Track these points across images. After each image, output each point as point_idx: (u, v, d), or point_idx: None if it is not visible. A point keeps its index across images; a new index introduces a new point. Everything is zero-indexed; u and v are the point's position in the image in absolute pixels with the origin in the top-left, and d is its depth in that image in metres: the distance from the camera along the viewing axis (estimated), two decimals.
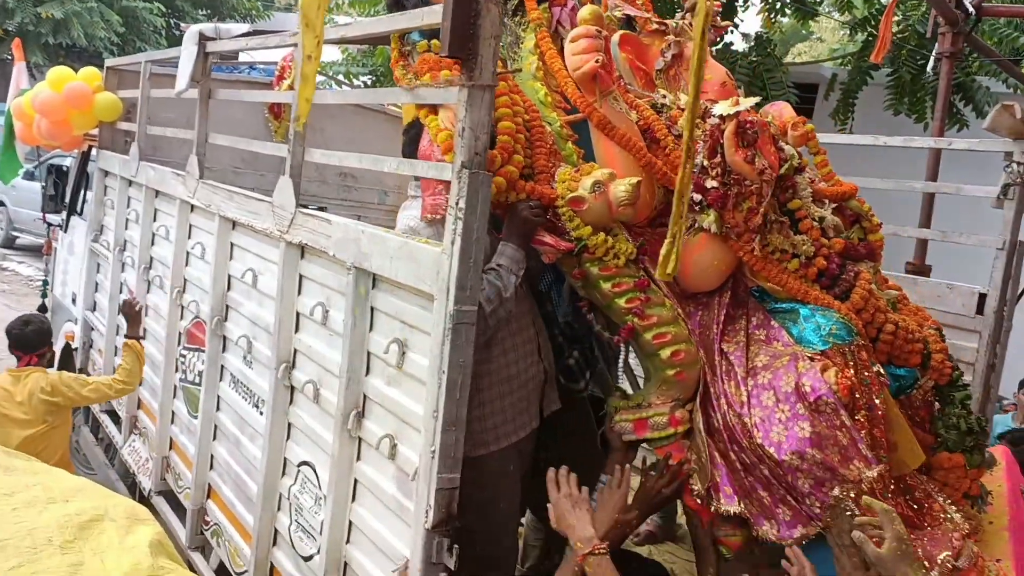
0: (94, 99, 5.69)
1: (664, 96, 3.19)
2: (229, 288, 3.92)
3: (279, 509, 3.34)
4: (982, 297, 3.61)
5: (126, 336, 4.69)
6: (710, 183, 2.74)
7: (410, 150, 3.17)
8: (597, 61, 2.75)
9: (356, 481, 2.86)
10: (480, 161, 2.26)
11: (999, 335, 3.56)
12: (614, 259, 2.74)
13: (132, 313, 4.69)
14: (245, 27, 4.24)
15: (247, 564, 3.49)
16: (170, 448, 4.52)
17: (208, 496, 4.03)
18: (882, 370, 2.77)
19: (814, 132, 3.15)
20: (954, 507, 2.81)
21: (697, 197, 2.76)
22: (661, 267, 2.13)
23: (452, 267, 2.28)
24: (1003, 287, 3.55)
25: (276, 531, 3.35)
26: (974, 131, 7.12)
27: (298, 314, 3.29)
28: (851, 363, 2.64)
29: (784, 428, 2.53)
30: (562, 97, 3.08)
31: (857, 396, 2.57)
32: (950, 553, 2.58)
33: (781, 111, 3.25)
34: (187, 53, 4.11)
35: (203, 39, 4.08)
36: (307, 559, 3.09)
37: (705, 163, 2.75)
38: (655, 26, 3.28)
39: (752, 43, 7.95)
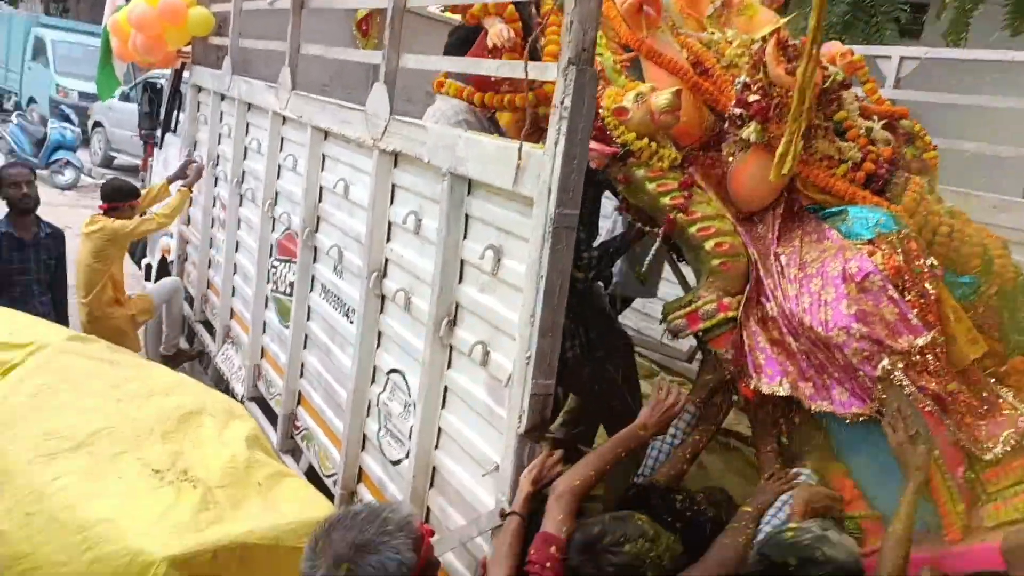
0: (187, 14, 5.71)
1: (713, 34, 3.29)
2: (320, 199, 3.92)
3: (368, 415, 3.38)
4: None
5: (181, 185, 5.55)
6: (752, 97, 2.81)
7: (458, 52, 3.33)
8: None
9: (446, 388, 2.85)
10: (588, 57, 2.15)
11: None
12: (658, 162, 2.81)
13: (192, 171, 5.58)
14: None
15: (336, 467, 3.56)
16: (262, 356, 4.63)
17: (299, 403, 4.12)
18: (935, 262, 2.76)
19: (862, 62, 3.34)
20: None
21: (739, 111, 2.83)
22: (777, 167, 2.07)
23: (555, 168, 2.19)
24: None
25: (365, 436, 3.40)
26: None
27: (390, 223, 3.26)
28: (899, 251, 2.66)
29: (830, 308, 2.58)
30: (619, 47, 3.18)
31: (906, 278, 2.61)
32: (1014, 431, 2.58)
33: (830, 47, 3.43)
34: None
35: None
36: (395, 463, 3.12)
37: (747, 79, 2.83)
38: None
39: None
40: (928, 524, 2.49)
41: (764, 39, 2.83)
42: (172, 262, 6.45)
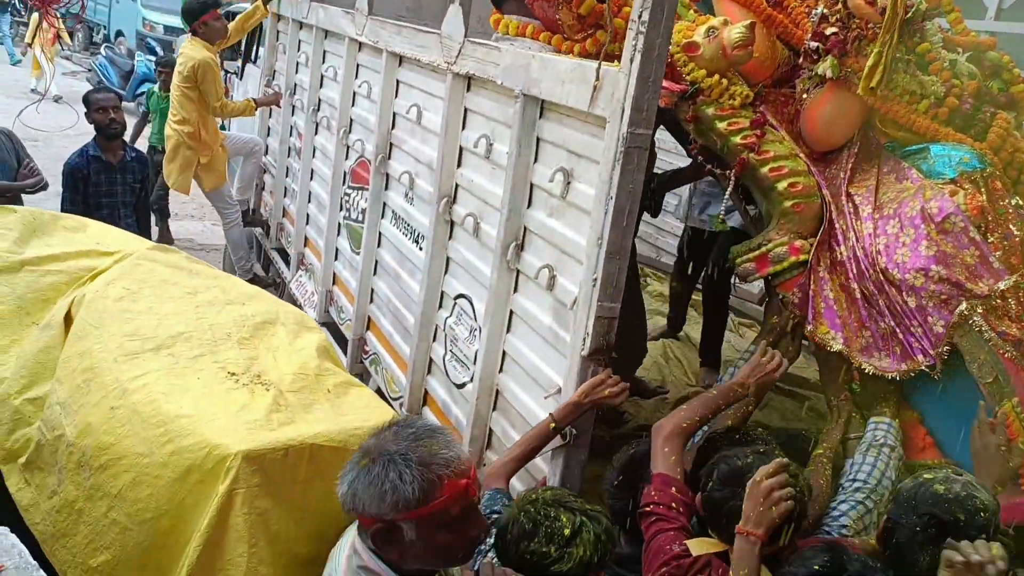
0: None
1: None
2: (393, 126, 3.94)
3: (434, 340, 3.44)
4: None
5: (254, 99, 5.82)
6: (829, 30, 2.71)
7: None
8: None
9: (511, 312, 2.87)
10: None
11: None
12: (729, 100, 2.72)
13: (270, 97, 5.82)
14: None
15: (402, 390, 3.64)
16: (333, 283, 4.73)
17: (368, 328, 4.21)
18: (1021, 202, 2.65)
19: None
20: None
21: (815, 44, 2.74)
22: (865, 80, 1.99)
23: (629, 86, 2.15)
24: None
25: (431, 360, 3.46)
26: None
27: (461, 148, 3.26)
28: (982, 190, 2.58)
29: (908, 250, 2.51)
30: None
31: (989, 219, 2.53)
32: None
33: None
34: None
35: None
36: (460, 386, 3.18)
37: (825, 11, 2.73)
38: None
39: None
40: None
41: None
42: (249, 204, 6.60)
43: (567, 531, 1.89)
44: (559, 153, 2.61)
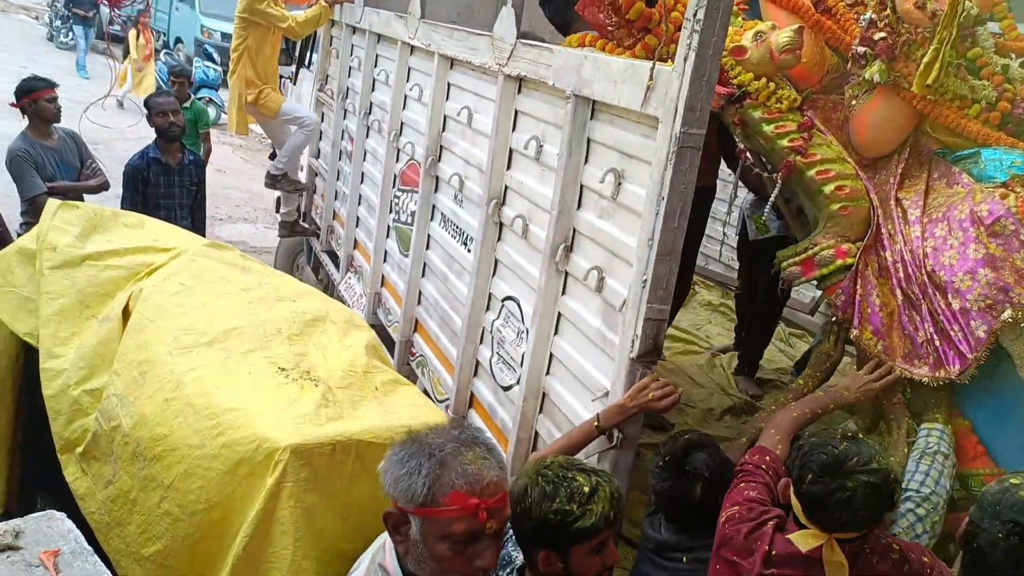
0: None
1: None
2: (444, 128, 3.96)
3: (481, 342, 3.44)
4: None
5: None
6: (878, 35, 2.68)
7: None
8: None
9: (559, 315, 2.86)
10: None
11: None
12: (776, 103, 2.73)
13: None
14: None
15: (449, 392, 3.65)
16: (382, 285, 4.77)
17: (415, 330, 4.23)
18: None
19: None
20: None
21: (863, 50, 2.71)
22: (920, 77, 1.96)
23: (683, 86, 2.13)
24: None
25: (478, 362, 3.46)
26: None
27: (511, 150, 3.27)
28: None
29: (956, 252, 2.48)
30: None
31: None
32: None
33: None
34: None
35: None
36: (506, 389, 3.17)
37: (873, 16, 2.70)
38: None
39: None
40: None
41: None
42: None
43: (586, 488, 1.91)
44: (610, 154, 2.60)
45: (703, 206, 3.92)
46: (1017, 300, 2.36)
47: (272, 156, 7.82)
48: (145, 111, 5.35)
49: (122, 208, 5.00)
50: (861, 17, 2.75)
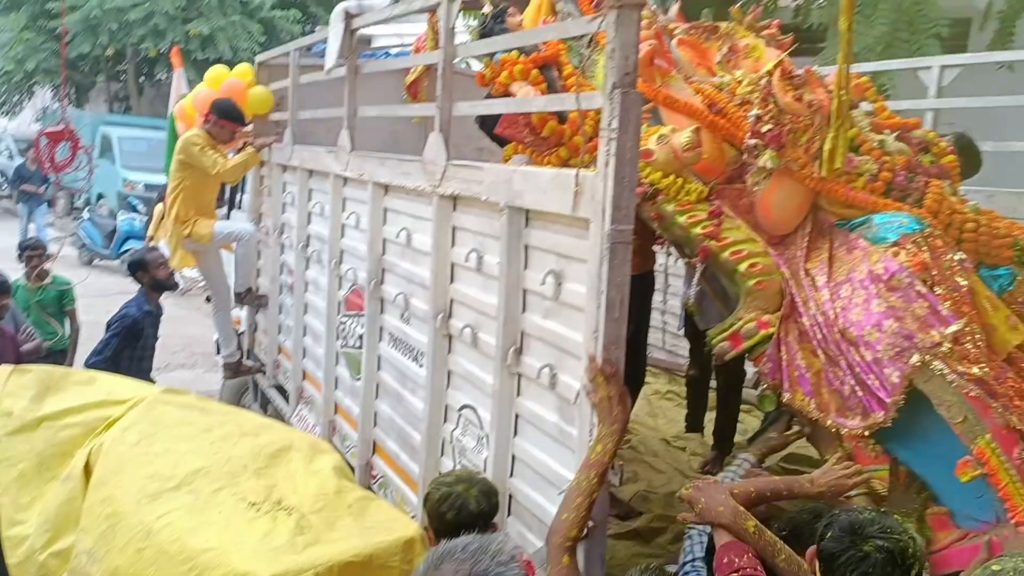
0: (248, 94, 6.08)
1: (724, 77, 3.48)
2: (384, 251, 4.10)
3: (443, 454, 3.48)
4: None
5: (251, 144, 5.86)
6: (765, 127, 2.95)
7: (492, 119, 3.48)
8: (651, 44, 3.13)
9: (517, 416, 2.95)
10: (631, 81, 2.28)
11: None
12: (686, 195, 2.97)
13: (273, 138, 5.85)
14: (387, 1, 4.42)
15: (414, 509, 3.64)
16: (335, 412, 4.78)
17: (374, 451, 4.24)
18: (963, 256, 2.86)
19: (870, 83, 3.57)
20: None
21: (755, 142, 2.97)
22: (828, 163, 2.18)
23: (607, 188, 2.31)
24: None
25: (440, 474, 3.48)
26: None
27: (452, 264, 3.41)
28: (924, 248, 2.77)
29: (862, 309, 2.69)
30: None
31: (934, 273, 2.71)
32: None
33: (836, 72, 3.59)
34: (334, 32, 4.33)
35: (348, 16, 4.28)
36: None
37: (759, 112, 2.99)
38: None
39: None
40: (997, 512, 2.48)
41: (770, 72, 3.00)
42: (243, 333, 6.71)
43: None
44: (548, 257, 2.76)
45: (644, 294, 4.09)
46: (922, 345, 2.56)
47: (209, 299, 7.84)
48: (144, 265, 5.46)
49: (113, 357, 5.02)
50: (749, 114, 3.03)
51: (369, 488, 4.26)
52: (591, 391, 2.41)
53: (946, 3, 8.44)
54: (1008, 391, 2.66)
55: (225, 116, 5.66)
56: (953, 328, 2.61)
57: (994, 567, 1.92)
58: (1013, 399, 2.64)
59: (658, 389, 5.75)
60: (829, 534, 2.03)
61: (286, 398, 5.72)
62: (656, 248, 4.14)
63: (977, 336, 2.70)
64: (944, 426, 2.57)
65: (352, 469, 4.37)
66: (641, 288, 3.72)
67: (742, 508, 2.28)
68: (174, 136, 7.19)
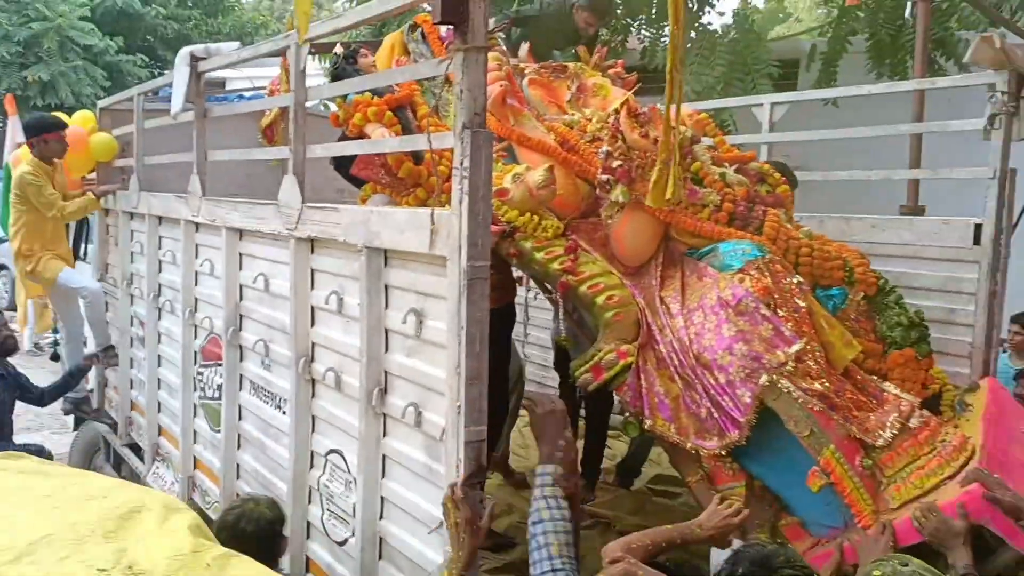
0: (89, 140, 5.80)
1: (573, 115, 3.67)
2: (241, 297, 3.98)
3: (310, 502, 3.38)
4: (978, 228, 3.67)
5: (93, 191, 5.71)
6: (615, 163, 3.12)
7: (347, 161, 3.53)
8: (502, 85, 3.26)
9: (384, 457, 2.91)
10: (480, 120, 2.33)
11: (998, 263, 3.62)
12: (543, 232, 3.07)
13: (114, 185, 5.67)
14: (235, 45, 4.35)
15: (285, 566, 3.51)
16: (195, 467, 4.56)
17: None
18: (801, 279, 3.10)
19: (708, 119, 3.83)
20: (910, 395, 3.06)
21: (605, 177, 3.14)
22: (652, 194, 2.34)
23: (462, 225, 2.34)
24: (998, 215, 3.61)
25: (309, 524, 3.39)
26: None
27: (313, 308, 3.35)
28: (766, 274, 2.97)
29: (714, 334, 2.85)
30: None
31: (776, 297, 2.91)
32: (897, 415, 2.86)
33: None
34: (180, 75, 4.21)
35: (194, 60, 4.17)
36: (342, 543, 3.13)
37: (609, 149, 3.15)
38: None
39: (732, 22, 8.08)
40: (845, 517, 2.66)
41: (617, 111, 3.16)
42: (92, 390, 6.32)
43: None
44: (408, 296, 2.76)
45: (504, 327, 4.14)
46: (769, 365, 2.72)
47: (54, 356, 7.35)
48: None
49: None
50: (600, 150, 3.17)
51: None
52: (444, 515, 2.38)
53: (777, 46, 9.13)
54: (847, 403, 2.87)
55: (42, 131, 5.49)
56: (796, 347, 2.79)
57: (875, 573, 2.04)
58: (852, 410, 2.85)
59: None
60: (740, 571, 2.08)
61: (141, 456, 5.41)
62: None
63: (817, 354, 2.90)
64: (793, 440, 2.73)
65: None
66: (501, 321, 3.77)
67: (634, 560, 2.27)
68: (9, 187, 6.77)
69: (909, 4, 7.06)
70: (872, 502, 2.66)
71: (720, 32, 8.09)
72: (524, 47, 4.26)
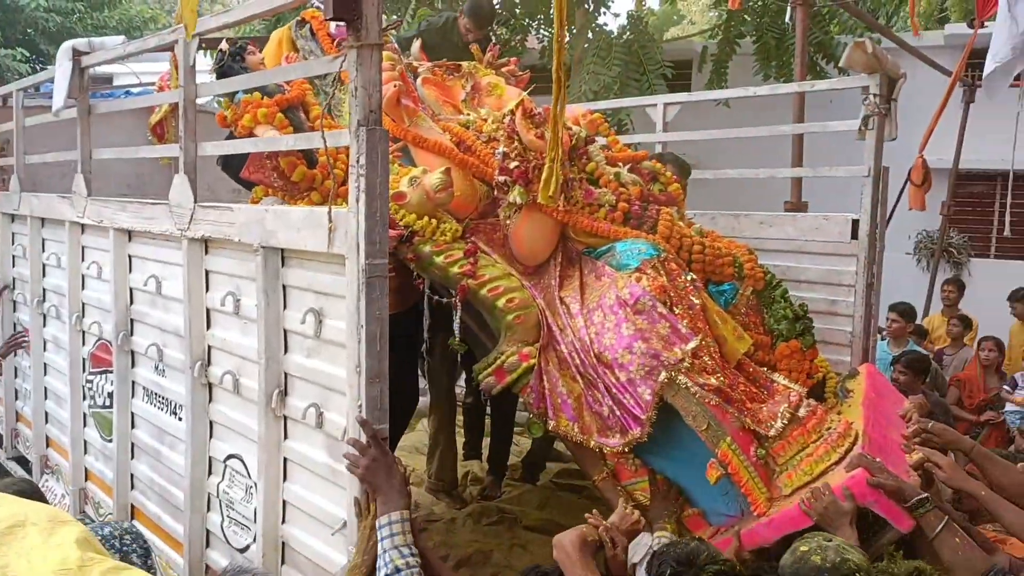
0: None
1: (469, 115, 3.70)
2: (132, 301, 3.84)
3: (209, 509, 3.30)
4: (855, 223, 3.90)
5: None
6: (512, 164, 3.16)
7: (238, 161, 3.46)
8: (396, 85, 3.26)
9: (286, 460, 2.87)
10: (376, 118, 2.33)
11: (874, 256, 3.85)
12: (442, 236, 3.08)
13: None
14: (120, 39, 4.19)
15: (180, 573, 3.42)
16: (86, 479, 4.37)
17: (132, 516, 3.92)
18: (695, 276, 3.22)
19: (602, 119, 3.91)
20: (797, 384, 3.23)
21: (503, 178, 3.17)
22: (543, 191, 2.37)
23: (359, 223, 2.33)
24: (872, 211, 3.84)
25: (208, 532, 3.31)
26: None
27: (208, 310, 3.27)
28: (661, 272, 3.07)
29: (614, 333, 2.91)
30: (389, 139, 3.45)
31: (672, 295, 3.01)
32: (787, 405, 2.98)
33: (574, 110, 4.01)
34: (61, 70, 4.02)
35: (77, 54, 4.00)
36: (243, 550, 3.06)
37: (505, 150, 3.19)
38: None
39: (626, 23, 8.29)
40: (742, 506, 2.77)
41: (512, 111, 3.18)
42: None
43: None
44: (307, 296, 2.72)
45: (410, 330, 4.12)
46: (667, 362, 2.81)
47: None
48: None
49: None
50: (496, 151, 3.20)
51: None
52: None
53: (671, 47, 9.41)
54: (741, 396, 2.98)
55: None
56: (692, 344, 2.88)
57: (802, 548, 2.15)
58: (745, 403, 2.97)
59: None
60: (667, 571, 2.16)
61: (29, 470, 5.14)
62: None
63: (712, 349, 3.01)
64: (692, 434, 2.83)
65: None
66: (406, 324, 3.76)
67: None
68: None
69: (788, 9, 7.41)
70: (766, 490, 2.78)
71: (616, 33, 8.29)
72: (416, 44, 4.24)
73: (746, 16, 8.53)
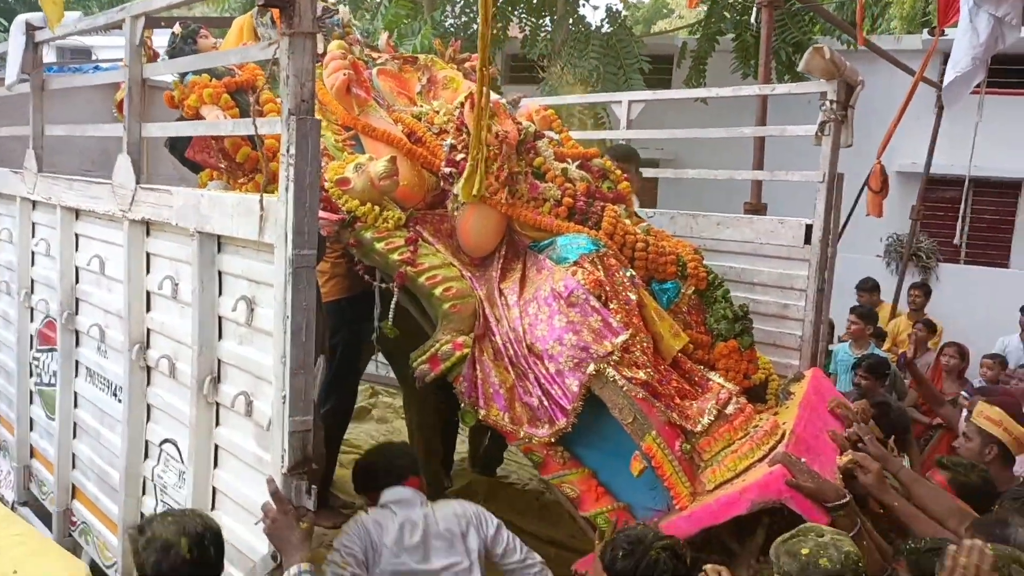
0: None
1: (422, 107, 3.70)
2: (77, 280, 3.80)
3: (144, 493, 3.29)
4: (808, 228, 3.90)
5: None
6: (459, 156, 3.16)
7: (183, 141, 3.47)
8: (346, 73, 3.26)
9: (217, 447, 2.85)
10: (307, 108, 2.30)
11: (825, 261, 3.86)
12: (384, 223, 3.06)
13: None
14: (77, 14, 4.12)
15: (116, 555, 3.40)
16: (31, 456, 4.34)
17: (73, 496, 3.89)
18: (634, 273, 3.23)
19: (555, 115, 3.92)
20: (732, 384, 3.25)
21: (449, 170, 3.17)
22: (466, 189, 2.37)
23: (288, 213, 2.31)
24: (826, 217, 3.84)
25: (142, 515, 3.28)
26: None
27: (148, 293, 3.24)
28: (599, 267, 3.07)
29: (547, 324, 2.93)
30: (340, 127, 3.44)
31: (608, 289, 3.02)
32: (715, 402, 3.02)
33: (527, 105, 4.05)
34: (15, 44, 3.96)
35: (31, 29, 3.93)
36: None
37: (453, 142, 3.18)
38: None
39: (605, 17, 8.25)
40: (667, 500, 2.78)
41: (462, 104, 3.16)
42: None
43: None
44: (240, 283, 2.70)
45: (358, 316, 4.08)
46: (596, 355, 2.81)
47: None
48: None
49: None
50: (444, 143, 3.17)
51: (71, 536, 3.92)
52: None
53: (653, 41, 9.39)
54: (671, 391, 2.99)
55: None
56: (622, 338, 2.89)
57: (803, 551, 2.08)
58: (675, 398, 2.98)
59: (391, 403, 5.81)
60: (620, 554, 2.23)
61: None
62: None
63: (644, 344, 3.01)
64: (618, 427, 2.84)
65: (51, 517, 4.01)
66: (354, 310, 3.73)
67: None
68: None
69: (755, 10, 7.40)
70: (690, 484, 2.79)
71: (595, 25, 8.25)
72: (383, 36, 4.22)
73: (726, 13, 8.51)
